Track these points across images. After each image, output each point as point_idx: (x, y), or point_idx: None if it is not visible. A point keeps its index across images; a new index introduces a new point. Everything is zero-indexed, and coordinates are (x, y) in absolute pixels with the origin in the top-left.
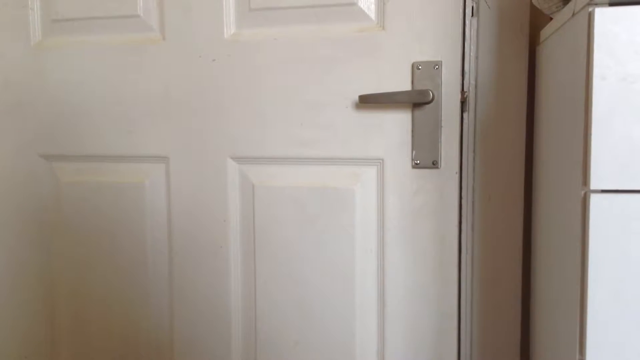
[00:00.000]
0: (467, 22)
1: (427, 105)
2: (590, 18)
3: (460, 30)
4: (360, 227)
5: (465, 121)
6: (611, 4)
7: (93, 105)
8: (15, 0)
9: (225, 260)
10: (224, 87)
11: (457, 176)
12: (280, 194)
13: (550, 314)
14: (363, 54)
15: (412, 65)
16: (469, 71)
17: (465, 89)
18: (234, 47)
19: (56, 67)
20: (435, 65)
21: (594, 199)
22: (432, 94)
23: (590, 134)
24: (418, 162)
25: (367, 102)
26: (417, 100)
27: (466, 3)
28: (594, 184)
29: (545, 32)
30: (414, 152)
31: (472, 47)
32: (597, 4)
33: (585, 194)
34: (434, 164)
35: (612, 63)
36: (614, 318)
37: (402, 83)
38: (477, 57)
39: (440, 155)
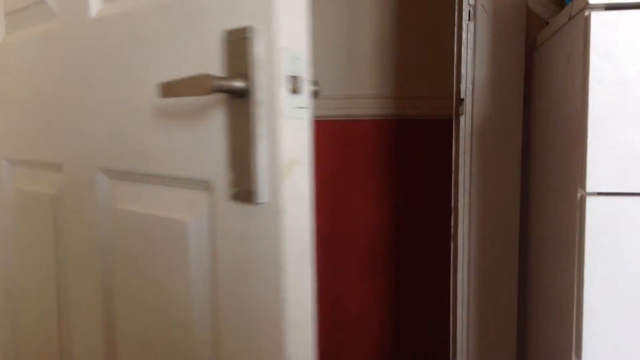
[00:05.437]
0: (464, 26)
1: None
2: (586, 22)
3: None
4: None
5: (462, 124)
6: (607, 8)
7: None
8: None
9: None
10: None
11: (286, 215)
12: None
13: (547, 316)
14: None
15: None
16: (466, 75)
17: (462, 93)
18: None
19: None
20: (246, 35)
21: (590, 202)
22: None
23: (587, 137)
24: (237, 190)
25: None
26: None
27: (463, 7)
28: (590, 187)
29: (541, 36)
30: (231, 175)
31: (468, 51)
32: (593, 8)
33: (581, 196)
34: (251, 198)
35: (608, 67)
36: (610, 319)
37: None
38: (473, 61)
39: (257, 183)
